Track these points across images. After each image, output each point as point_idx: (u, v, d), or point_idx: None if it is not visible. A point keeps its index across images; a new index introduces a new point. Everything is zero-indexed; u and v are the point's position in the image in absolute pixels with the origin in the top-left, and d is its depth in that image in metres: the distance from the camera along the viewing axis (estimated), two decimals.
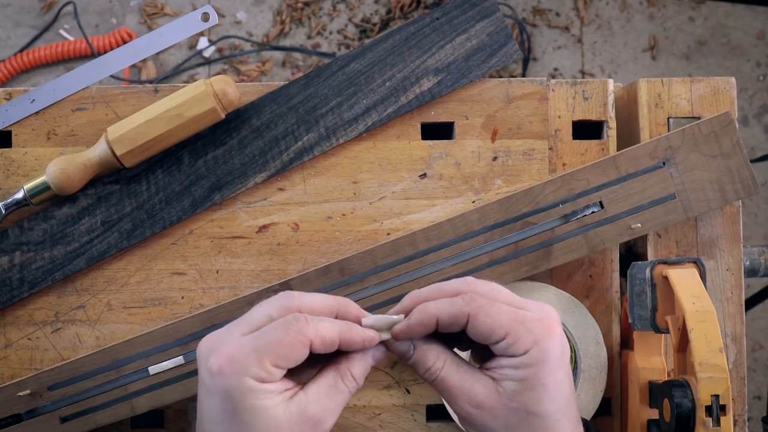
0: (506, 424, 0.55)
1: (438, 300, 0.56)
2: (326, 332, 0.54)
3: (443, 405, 0.73)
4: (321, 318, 0.55)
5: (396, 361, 0.75)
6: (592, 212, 0.72)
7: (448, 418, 0.73)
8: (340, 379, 0.55)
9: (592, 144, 0.76)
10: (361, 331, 0.56)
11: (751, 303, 1.41)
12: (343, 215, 0.76)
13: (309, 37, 1.84)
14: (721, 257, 0.76)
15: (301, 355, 0.54)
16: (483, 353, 0.58)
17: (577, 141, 0.76)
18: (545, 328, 0.55)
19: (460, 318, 0.55)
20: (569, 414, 0.56)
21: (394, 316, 0.57)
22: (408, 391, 0.76)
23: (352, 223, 0.76)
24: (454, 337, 0.58)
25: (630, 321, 0.70)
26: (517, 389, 0.54)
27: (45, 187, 0.73)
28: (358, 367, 0.56)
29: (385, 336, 0.56)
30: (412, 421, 0.76)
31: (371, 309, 0.71)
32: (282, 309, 0.55)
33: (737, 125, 0.74)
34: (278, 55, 1.84)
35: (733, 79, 0.77)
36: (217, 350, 0.53)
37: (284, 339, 0.53)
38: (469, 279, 0.57)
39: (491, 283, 0.57)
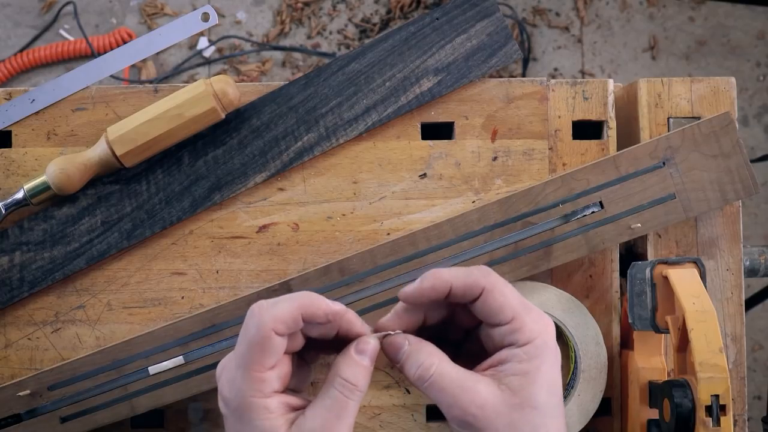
0: (509, 422, 0.53)
1: (453, 268, 0.55)
2: (283, 313, 0.53)
3: None
4: (276, 301, 0.54)
5: None
6: (592, 212, 0.72)
7: None
8: (333, 388, 0.54)
9: (592, 144, 0.76)
10: (325, 303, 0.54)
11: (751, 303, 1.41)
12: (343, 215, 0.76)
13: (309, 37, 1.84)
14: (721, 257, 0.76)
15: (274, 348, 0.53)
16: (471, 359, 0.57)
17: (577, 141, 0.76)
18: (547, 324, 0.55)
19: (475, 289, 0.54)
20: (562, 413, 0.56)
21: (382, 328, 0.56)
22: (408, 391, 0.76)
23: (352, 223, 0.76)
24: (441, 342, 0.56)
25: (630, 321, 0.70)
26: (521, 384, 0.53)
27: (45, 187, 0.73)
28: (345, 367, 0.54)
29: (374, 341, 0.55)
30: (412, 421, 0.76)
31: (371, 309, 0.71)
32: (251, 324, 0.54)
33: (737, 125, 0.74)
34: (278, 55, 1.84)
35: (733, 79, 0.77)
36: (221, 377, 0.55)
37: (252, 342, 0.53)
38: (484, 267, 0.56)
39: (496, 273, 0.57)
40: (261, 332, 0.53)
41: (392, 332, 0.55)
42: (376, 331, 0.56)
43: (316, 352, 0.59)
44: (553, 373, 0.54)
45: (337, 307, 0.54)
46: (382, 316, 0.57)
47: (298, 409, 0.55)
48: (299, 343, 0.56)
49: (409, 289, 0.55)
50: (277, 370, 0.54)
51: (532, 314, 0.55)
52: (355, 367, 0.54)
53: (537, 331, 0.54)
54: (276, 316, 0.53)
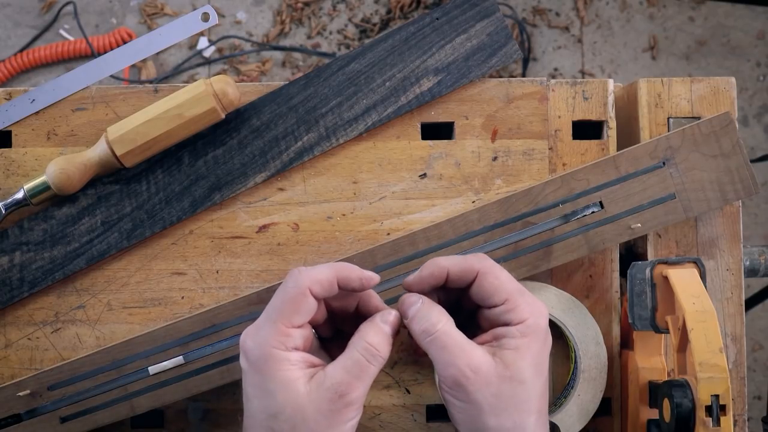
0: (497, 392, 0.57)
1: (451, 256, 0.61)
2: (321, 275, 0.58)
3: (443, 405, 0.73)
4: (314, 267, 0.58)
5: (396, 361, 0.75)
6: (592, 212, 0.72)
7: (448, 418, 0.73)
8: (356, 350, 0.57)
9: (592, 144, 0.76)
10: (358, 270, 0.59)
11: (751, 303, 1.41)
12: (343, 215, 0.76)
13: (309, 37, 1.84)
14: (721, 257, 0.76)
15: (307, 306, 0.57)
16: (469, 330, 0.61)
17: (577, 141, 0.76)
18: (540, 307, 0.60)
19: (470, 273, 0.59)
20: (545, 394, 0.60)
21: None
22: (408, 391, 0.76)
23: (352, 223, 0.76)
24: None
25: (630, 321, 0.70)
26: (513, 358, 0.57)
27: (45, 187, 0.73)
28: (371, 332, 0.58)
29: (396, 313, 0.60)
30: (412, 421, 0.76)
31: None
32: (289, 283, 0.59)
33: (737, 125, 0.74)
34: (278, 55, 1.84)
35: (733, 79, 0.77)
36: (247, 332, 0.58)
37: (286, 297, 0.57)
38: (480, 254, 0.62)
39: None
40: (298, 289, 0.57)
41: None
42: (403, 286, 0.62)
43: (333, 326, 0.63)
44: (543, 354, 0.59)
45: (370, 273, 0.60)
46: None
47: (318, 367, 0.58)
48: (323, 315, 0.61)
49: (411, 277, 0.62)
50: (302, 331, 0.58)
51: (526, 297, 0.59)
52: (380, 334, 0.58)
53: (529, 311, 0.59)
54: (314, 277, 0.57)
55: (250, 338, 0.57)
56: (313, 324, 0.61)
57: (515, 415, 0.57)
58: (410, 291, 0.61)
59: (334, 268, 0.58)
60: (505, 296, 0.59)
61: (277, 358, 0.56)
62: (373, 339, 0.58)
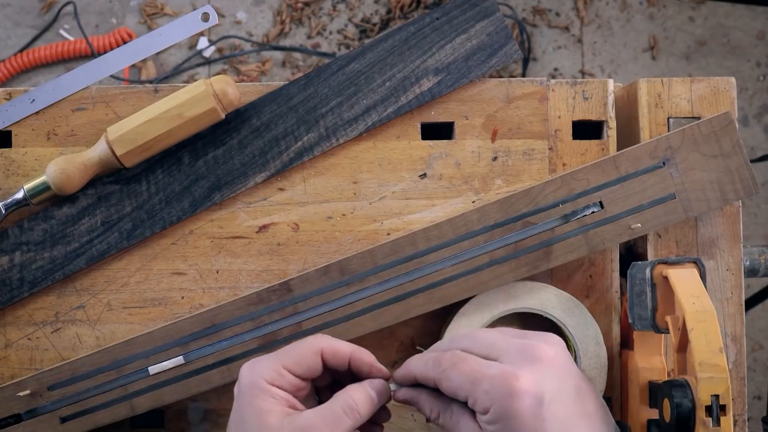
0: None
1: (419, 358, 0.62)
2: (339, 345, 0.60)
3: None
4: (336, 339, 0.61)
5: (396, 361, 0.75)
6: (592, 212, 0.72)
7: None
8: (338, 405, 0.58)
9: (592, 144, 0.76)
10: (372, 356, 0.61)
11: (751, 303, 1.41)
12: (343, 215, 0.76)
13: (309, 37, 1.84)
14: (721, 257, 0.76)
15: (313, 363, 0.59)
16: None
17: (577, 141, 0.76)
18: (503, 388, 0.56)
19: (430, 380, 0.60)
20: (572, 424, 0.57)
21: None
22: None
23: (352, 223, 0.76)
24: None
25: (630, 321, 0.70)
26: None
27: (45, 187, 0.73)
28: (358, 394, 0.59)
29: (388, 386, 0.62)
30: (412, 421, 0.76)
31: (371, 309, 0.71)
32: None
33: (737, 125, 0.74)
34: (278, 55, 1.84)
35: (733, 79, 0.77)
36: (248, 361, 0.60)
37: (298, 347, 0.59)
38: (459, 336, 0.62)
39: (473, 336, 0.61)
40: (311, 346, 0.59)
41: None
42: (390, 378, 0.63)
43: (330, 375, 0.64)
44: (531, 427, 0.56)
45: (381, 366, 0.62)
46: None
47: (298, 411, 0.58)
48: (326, 380, 0.63)
49: (396, 373, 0.63)
50: (297, 381, 0.59)
51: (484, 383, 0.57)
52: (364, 394, 0.59)
53: (489, 400, 0.56)
54: (332, 345, 0.60)
55: (247, 367, 0.59)
56: (317, 383, 0.63)
57: None
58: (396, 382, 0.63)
59: (353, 349, 0.61)
60: (464, 394, 0.58)
61: (261, 388, 0.58)
62: (357, 397, 0.59)
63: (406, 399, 0.62)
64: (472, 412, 0.58)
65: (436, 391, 0.60)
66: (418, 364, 0.61)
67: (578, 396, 0.58)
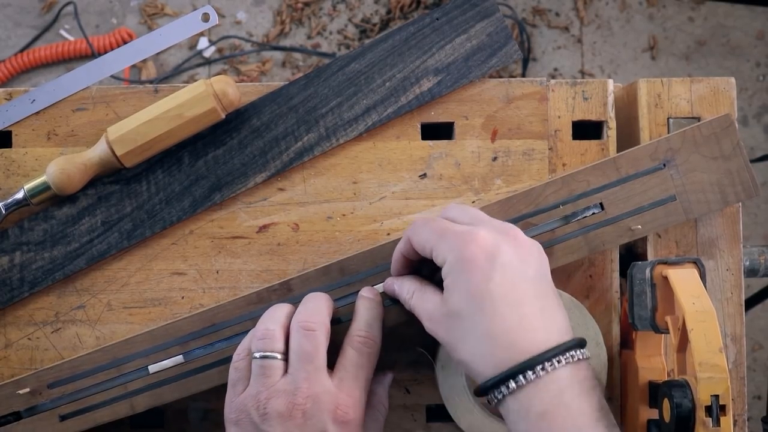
0: (446, 328, 0.61)
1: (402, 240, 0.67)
2: (328, 305, 0.68)
3: (443, 405, 0.73)
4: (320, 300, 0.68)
5: (396, 361, 0.75)
6: (593, 213, 0.72)
7: (448, 418, 0.73)
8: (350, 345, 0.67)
9: (592, 144, 0.76)
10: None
11: (751, 303, 1.41)
12: (343, 215, 0.76)
13: (309, 37, 1.84)
14: (721, 257, 0.76)
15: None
16: None
17: (577, 141, 0.76)
18: (462, 239, 0.61)
19: (408, 243, 0.65)
20: (492, 311, 0.60)
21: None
22: (408, 391, 0.76)
23: (352, 223, 0.76)
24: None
25: (630, 321, 0.70)
26: (446, 296, 0.61)
27: (45, 187, 0.73)
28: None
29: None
30: (412, 421, 0.76)
31: None
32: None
33: (737, 125, 0.74)
34: (278, 55, 1.84)
35: (732, 80, 0.77)
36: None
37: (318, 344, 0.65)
38: (451, 205, 0.67)
39: (465, 207, 0.66)
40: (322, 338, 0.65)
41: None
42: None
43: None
44: (475, 281, 0.60)
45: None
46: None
47: None
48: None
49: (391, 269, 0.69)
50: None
51: (447, 236, 0.62)
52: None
53: (447, 249, 0.61)
54: (330, 308, 0.68)
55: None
56: None
57: (465, 348, 0.60)
58: (392, 276, 0.69)
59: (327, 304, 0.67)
60: (429, 246, 0.62)
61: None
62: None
63: (393, 290, 0.67)
64: (440, 289, 0.62)
65: (416, 276, 0.67)
66: (402, 240, 0.66)
67: (535, 279, 0.62)
